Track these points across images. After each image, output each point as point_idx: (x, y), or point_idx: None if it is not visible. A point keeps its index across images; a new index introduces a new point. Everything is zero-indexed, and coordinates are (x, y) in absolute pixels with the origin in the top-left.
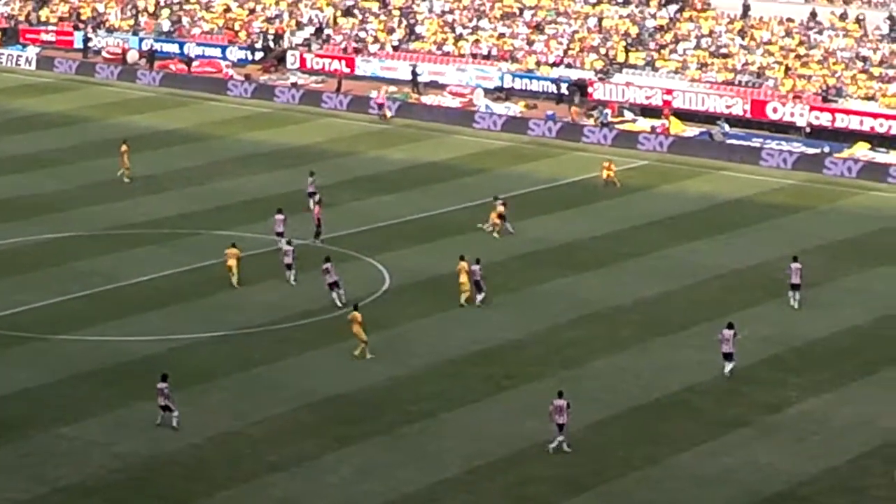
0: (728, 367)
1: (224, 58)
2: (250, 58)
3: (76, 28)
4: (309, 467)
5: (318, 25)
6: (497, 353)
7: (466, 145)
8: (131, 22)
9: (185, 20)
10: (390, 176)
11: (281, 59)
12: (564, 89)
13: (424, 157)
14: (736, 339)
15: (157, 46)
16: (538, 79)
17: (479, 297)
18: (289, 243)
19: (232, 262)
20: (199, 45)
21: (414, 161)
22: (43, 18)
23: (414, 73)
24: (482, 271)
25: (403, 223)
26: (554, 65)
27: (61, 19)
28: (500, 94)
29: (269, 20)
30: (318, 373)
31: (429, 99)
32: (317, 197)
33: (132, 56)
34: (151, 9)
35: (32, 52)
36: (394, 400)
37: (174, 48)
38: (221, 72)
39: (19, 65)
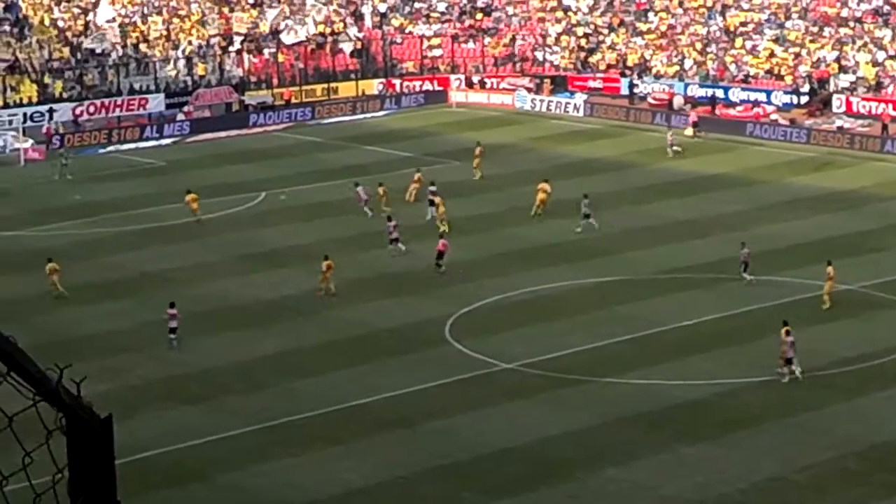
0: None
1: (769, 102)
2: (795, 102)
3: (622, 75)
4: None
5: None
6: None
7: None
8: (677, 68)
9: (732, 65)
10: None
11: (826, 103)
12: None
13: None
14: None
15: (701, 92)
16: None
17: None
18: (389, 219)
19: None
20: (743, 90)
21: None
22: (591, 66)
23: None
24: None
25: None
26: None
27: (609, 66)
28: None
29: (814, 64)
30: (865, 419)
31: None
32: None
33: (678, 101)
34: (697, 55)
35: (580, 98)
36: None
37: (719, 93)
38: (766, 116)
39: (567, 111)
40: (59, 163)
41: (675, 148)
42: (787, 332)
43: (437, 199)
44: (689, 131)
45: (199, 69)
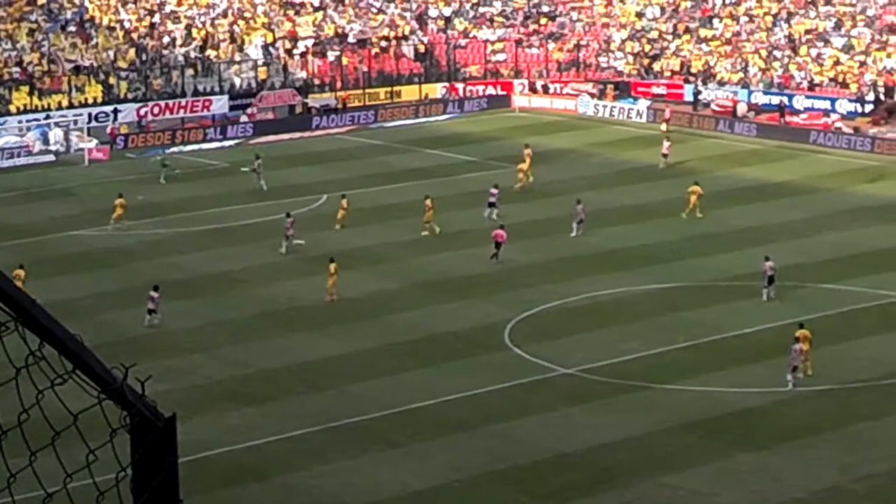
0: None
1: (833, 110)
2: (859, 110)
3: (686, 81)
4: None
5: None
6: None
7: None
8: (741, 75)
9: (797, 73)
10: None
11: (891, 112)
12: None
13: None
14: None
15: (765, 99)
16: None
17: None
18: (288, 215)
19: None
20: (807, 97)
21: None
22: (655, 72)
23: None
24: None
25: None
26: None
27: (672, 73)
28: None
29: (879, 73)
30: None
31: None
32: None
33: (741, 109)
34: (762, 62)
35: (643, 105)
36: None
37: (784, 101)
38: (831, 125)
39: (630, 117)
40: (161, 165)
41: (666, 161)
42: (796, 339)
43: (427, 203)
44: (664, 126)
45: (262, 72)
